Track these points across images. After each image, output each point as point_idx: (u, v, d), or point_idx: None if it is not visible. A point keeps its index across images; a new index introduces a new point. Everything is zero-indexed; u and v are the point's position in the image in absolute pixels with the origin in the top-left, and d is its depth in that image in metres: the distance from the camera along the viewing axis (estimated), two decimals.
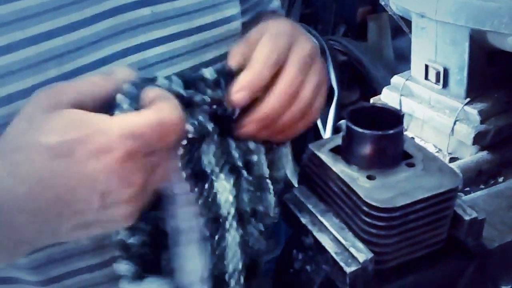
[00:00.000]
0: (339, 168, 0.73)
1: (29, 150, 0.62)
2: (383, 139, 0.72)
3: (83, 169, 0.61)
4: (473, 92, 1.58)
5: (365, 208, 0.68)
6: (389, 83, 1.78)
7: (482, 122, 1.54)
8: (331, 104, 2.10)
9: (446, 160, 1.57)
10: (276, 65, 0.74)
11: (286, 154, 0.81)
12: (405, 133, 1.65)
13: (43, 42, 0.75)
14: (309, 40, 0.82)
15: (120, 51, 0.81)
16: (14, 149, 0.63)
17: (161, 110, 0.64)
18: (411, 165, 0.74)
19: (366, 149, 0.72)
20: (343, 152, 0.75)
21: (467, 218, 0.74)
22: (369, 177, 0.71)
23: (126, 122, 0.62)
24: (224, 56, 0.90)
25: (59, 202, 0.62)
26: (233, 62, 0.75)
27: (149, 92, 0.67)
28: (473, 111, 1.55)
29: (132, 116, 0.63)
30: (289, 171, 0.85)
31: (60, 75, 0.76)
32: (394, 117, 0.74)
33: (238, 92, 0.72)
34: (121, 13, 0.81)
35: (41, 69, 0.75)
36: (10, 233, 0.64)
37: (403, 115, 0.73)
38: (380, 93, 1.79)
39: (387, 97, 1.75)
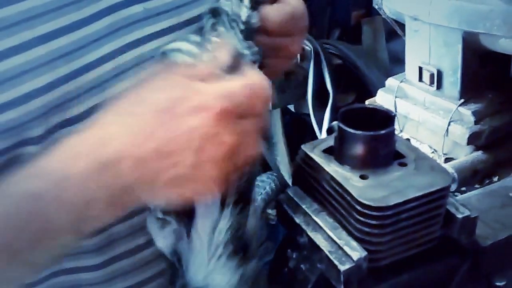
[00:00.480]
0: (332, 168, 0.74)
1: (139, 104, 0.68)
2: (375, 139, 0.72)
3: (181, 123, 0.67)
4: (467, 93, 1.59)
5: (358, 207, 0.69)
6: (384, 86, 1.79)
7: (476, 123, 1.55)
8: (327, 106, 2.11)
9: (442, 160, 1.58)
10: None
11: (283, 154, 0.83)
12: (400, 134, 1.66)
13: (51, 41, 0.77)
14: None
15: (118, 48, 0.83)
16: (129, 104, 0.69)
17: (250, 77, 0.70)
18: (403, 164, 0.75)
19: (358, 150, 0.73)
20: (336, 152, 0.76)
21: (459, 216, 0.75)
22: (362, 177, 0.72)
23: (221, 85, 0.68)
24: None
25: (158, 151, 0.67)
26: None
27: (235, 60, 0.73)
28: (467, 112, 1.56)
29: (226, 81, 0.69)
30: (286, 172, 0.86)
31: (70, 73, 0.78)
32: (385, 118, 0.75)
33: None
34: (115, 11, 0.84)
35: (52, 67, 0.77)
36: (116, 179, 0.68)
37: (395, 115, 0.74)
38: (375, 96, 1.80)
39: (382, 99, 1.76)
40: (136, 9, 0.86)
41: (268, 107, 0.73)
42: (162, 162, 0.67)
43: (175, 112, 0.67)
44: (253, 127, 0.70)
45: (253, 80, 0.70)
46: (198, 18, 0.91)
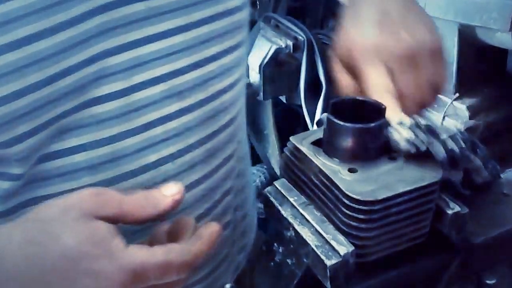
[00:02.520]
0: (321, 161, 0.73)
1: (46, 237, 0.67)
2: (364, 132, 0.72)
3: (78, 280, 0.66)
4: (462, 88, 1.59)
5: (346, 201, 0.68)
6: None
7: (471, 118, 1.55)
8: (319, 98, 2.10)
9: None
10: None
11: (273, 147, 0.82)
12: None
13: (25, 47, 0.72)
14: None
15: (111, 49, 0.79)
16: (36, 226, 0.68)
17: (170, 251, 0.69)
18: (393, 158, 0.74)
19: (347, 142, 0.72)
20: (325, 145, 0.75)
21: (449, 212, 0.74)
22: (351, 170, 0.71)
23: (134, 257, 0.67)
24: (227, 51, 0.91)
25: None
26: None
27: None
28: (462, 107, 1.56)
29: (144, 251, 0.68)
30: (276, 164, 0.86)
31: (44, 79, 0.74)
32: (376, 110, 0.74)
33: None
34: (112, 9, 0.78)
35: (23, 75, 0.73)
36: None
37: (385, 108, 0.73)
38: None
39: None
40: (137, 7, 0.80)
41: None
42: None
43: (76, 266, 0.66)
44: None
45: (171, 255, 0.69)
46: (210, 19, 0.87)
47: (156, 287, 0.70)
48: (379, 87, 0.82)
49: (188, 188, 0.89)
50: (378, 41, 0.85)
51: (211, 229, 0.75)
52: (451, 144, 0.75)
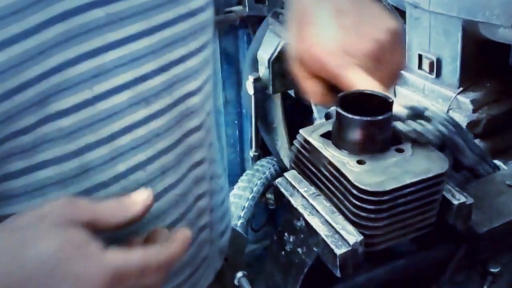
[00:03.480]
0: (330, 153, 0.74)
1: (21, 245, 0.66)
2: (372, 124, 0.73)
3: (56, 286, 0.65)
4: (466, 82, 1.60)
5: (355, 192, 0.70)
6: None
7: (474, 111, 1.56)
8: None
9: None
10: None
11: (283, 139, 0.83)
12: None
13: None
14: None
15: (71, 59, 0.75)
16: (10, 234, 0.68)
17: (147, 252, 0.71)
18: (400, 150, 0.75)
19: (356, 135, 0.73)
20: (334, 137, 0.76)
21: (455, 202, 0.75)
22: (359, 162, 0.72)
23: (113, 258, 0.68)
24: (193, 53, 0.88)
25: None
26: None
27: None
28: (465, 100, 1.57)
29: (122, 253, 0.69)
30: (286, 157, 0.86)
31: (1, 94, 0.71)
32: (383, 103, 0.75)
33: None
34: (70, 17, 0.75)
35: None
36: None
37: (392, 101, 0.74)
38: None
39: None
40: (96, 14, 0.77)
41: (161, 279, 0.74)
42: None
43: (51, 274, 0.65)
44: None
45: (155, 258, 0.71)
46: (173, 22, 0.85)
47: None
48: (367, 87, 0.80)
49: (161, 194, 0.88)
50: (342, 42, 0.83)
51: (183, 234, 0.77)
52: (443, 129, 0.77)
